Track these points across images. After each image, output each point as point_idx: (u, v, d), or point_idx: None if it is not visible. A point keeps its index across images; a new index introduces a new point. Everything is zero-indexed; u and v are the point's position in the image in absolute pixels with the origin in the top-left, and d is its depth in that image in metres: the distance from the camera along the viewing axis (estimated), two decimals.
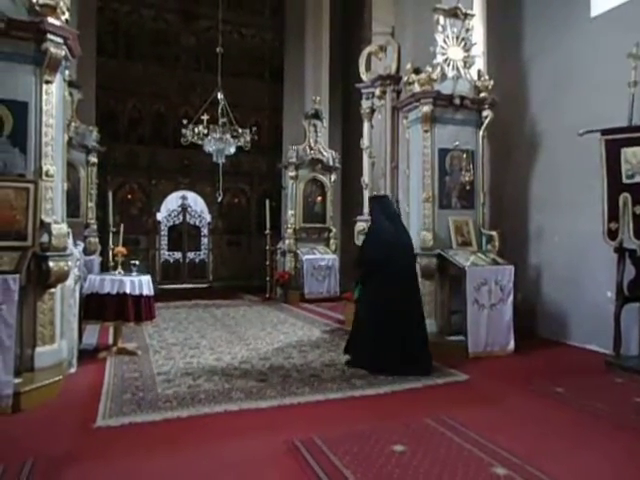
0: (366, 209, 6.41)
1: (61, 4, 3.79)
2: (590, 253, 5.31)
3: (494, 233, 5.53)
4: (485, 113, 5.60)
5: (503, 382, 4.20)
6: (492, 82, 5.64)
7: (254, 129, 9.16)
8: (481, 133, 5.67)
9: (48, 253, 3.70)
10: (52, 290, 3.86)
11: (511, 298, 5.12)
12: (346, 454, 2.71)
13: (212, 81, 9.75)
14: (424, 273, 5.33)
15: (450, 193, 5.56)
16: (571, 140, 5.20)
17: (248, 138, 8.96)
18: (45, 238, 3.72)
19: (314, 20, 11.31)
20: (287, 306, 9.01)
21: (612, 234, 4.60)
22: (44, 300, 3.81)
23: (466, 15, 5.67)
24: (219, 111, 8.87)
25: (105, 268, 8.18)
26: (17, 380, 3.40)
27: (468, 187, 5.58)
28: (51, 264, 3.69)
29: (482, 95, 5.57)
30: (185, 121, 8.97)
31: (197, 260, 13.01)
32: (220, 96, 8.86)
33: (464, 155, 5.54)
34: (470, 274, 4.99)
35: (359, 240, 6.02)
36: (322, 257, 9.85)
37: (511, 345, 5.10)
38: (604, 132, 4.65)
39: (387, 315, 4.39)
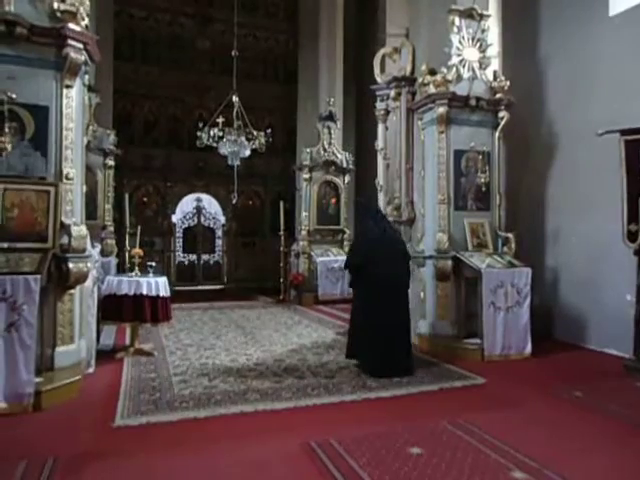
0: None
1: (81, 10, 3.86)
2: (609, 255, 5.23)
3: (510, 235, 5.47)
4: (501, 114, 5.55)
5: (520, 385, 4.16)
6: (508, 83, 5.59)
7: (269, 131, 9.20)
8: (497, 134, 5.62)
9: (68, 254, 3.75)
10: (71, 291, 3.91)
11: (528, 301, 5.07)
12: (362, 456, 2.71)
13: (227, 84, 9.82)
14: (439, 275, 5.31)
15: (466, 195, 5.52)
16: (589, 140, 5.13)
17: (263, 140, 9.00)
18: (65, 240, 3.78)
19: (328, 22, 11.33)
20: (301, 308, 9.03)
21: (632, 236, 4.53)
22: (64, 301, 3.87)
23: (482, 16, 5.63)
24: (234, 114, 8.94)
25: (121, 269, 8.28)
26: (38, 379, 3.46)
27: (484, 188, 5.52)
28: (71, 265, 3.74)
29: (498, 96, 5.53)
30: (200, 124, 9.04)
31: (212, 262, 13.11)
32: (235, 99, 8.92)
33: (480, 156, 5.49)
34: (486, 276, 4.95)
35: None
36: (336, 259, 9.83)
37: (528, 348, 5.05)
38: (623, 132, 4.59)
39: (379, 316, 4.38)
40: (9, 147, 3.57)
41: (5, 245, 3.58)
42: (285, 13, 13.50)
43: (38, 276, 3.42)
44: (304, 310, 8.75)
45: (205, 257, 13.02)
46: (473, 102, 5.43)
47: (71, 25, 3.77)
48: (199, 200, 12.95)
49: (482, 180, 5.47)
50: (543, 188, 6.26)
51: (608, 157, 4.83)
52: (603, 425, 3.26)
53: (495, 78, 5.66)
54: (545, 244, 6.20)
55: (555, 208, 6.14)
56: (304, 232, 10.05)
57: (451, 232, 5.39)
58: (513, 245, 5.42)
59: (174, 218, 12.75)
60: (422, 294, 5.63)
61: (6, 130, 3.55)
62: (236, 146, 8.89)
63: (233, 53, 9.40)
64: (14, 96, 3.61)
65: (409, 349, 4.54)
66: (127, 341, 5.43)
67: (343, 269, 4.91)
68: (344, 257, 9.81)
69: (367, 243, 4.67)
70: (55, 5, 3.78)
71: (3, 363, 3.30)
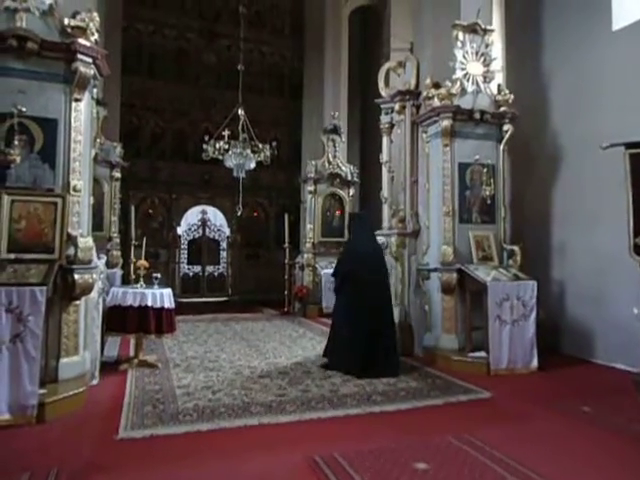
0: (385, 223, 6.42)
1: (91, 25, 3.93)
2: (615, 268, 5.19)
3: (516, 248, 5.46)
4: (506, 127, 5.57)
5: (527, 400, 4.11)
6: (512, 96, 5.62)
7: (274, 144, 9.26)
8: (502, 147, 5.64)
9: (74, 266, 3.76)
10: (77, 302, 3.92)
11: (534, 314, 5.03)
12: (367, 471, 2.68)
13: (232, 98, 9.93)
14: (444, 288, 5.29)
15: (470, 207, 5.53)
16: (594, 153, 5.11)
17: (268, 153, 9.06)
18: (71, 251, 3.79)
19: (333, 37, 11.47)
20: (305, 320, 8.99)
21: (638, 249, 4.49)
22: (69, 312, 3.87)
23: (485, 30, 5.68)
24: (240, 127, 9.02)
25: (126, 281, 8.28)
26: (42, 391, 3.45)
27: (489, 201, 5.53)
28: (77, 277, 3.76)
29: (502, 109, 5.56)
30: (206, 137, 9.13)
31: (216, 274, 13.10)
32: (241, 112, 9.01)
33: (484, 169, 5.50)
34: (492, 289, 4.93)
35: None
36: None
37: (534, 362, 5.00)
38: (628, 146, 4.58)
39: (361, 320, 4.77)
40: (18, 159, 3.61)
41: (12, 256, 3.60)
42: (291, 28, 13.67)
43: (44, 287, 3.43)
44: (308, 322, 8.71)
45: (210, 269, 13.02)
46: (477, 115, 5.46)
47: (81, 40, 3.84)
48: (204, 212, 12.99)
49: (487, 193, 5.48)
50: (548, 201, 6.25)
51: (613, 169, 4.81)
52: (610, 441, 3.21)
53: (499, 91, 5.70)
54: (551, 257, 6.17)
55: (560, 221, 6.12)
56: (308, 244, 10.04)
57: (456, 245, 5.38)
58: (518, 258, 5.40)
59: (179, 230, 12.79)
60: (427, 307, 5.61)
61: (16, 142, 3.60)
62: (241, 158, 8.95)
63: (239, 67, 9.52)
64: (24, 109, 3.66)
65: (395, 351, 4.88)
66: (131, 352, 5.43)
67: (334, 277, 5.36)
68: None
69: (356, 255, 5.03)
70: (66, 21, 3.86)
71: (7, 374, 3.30)
